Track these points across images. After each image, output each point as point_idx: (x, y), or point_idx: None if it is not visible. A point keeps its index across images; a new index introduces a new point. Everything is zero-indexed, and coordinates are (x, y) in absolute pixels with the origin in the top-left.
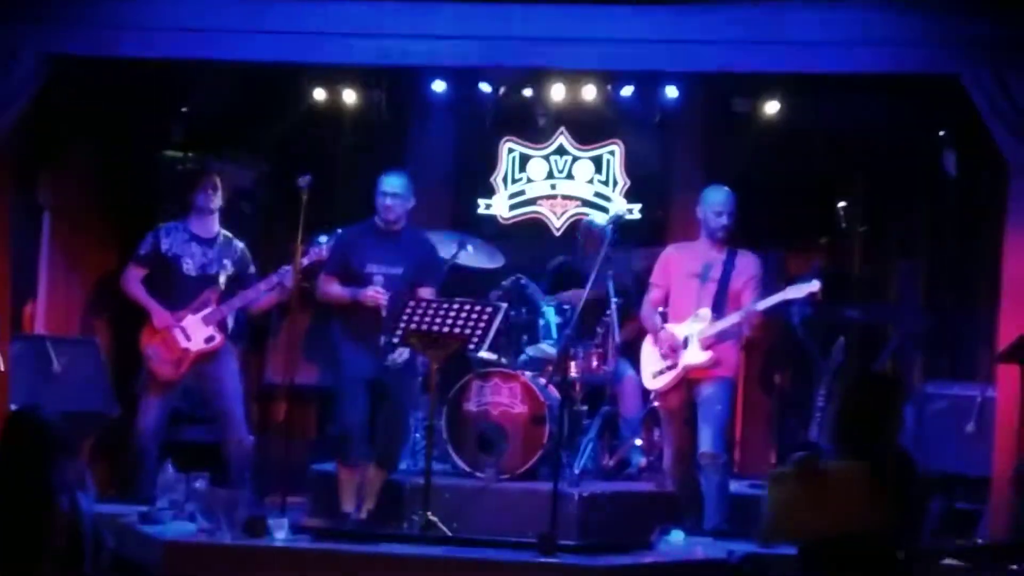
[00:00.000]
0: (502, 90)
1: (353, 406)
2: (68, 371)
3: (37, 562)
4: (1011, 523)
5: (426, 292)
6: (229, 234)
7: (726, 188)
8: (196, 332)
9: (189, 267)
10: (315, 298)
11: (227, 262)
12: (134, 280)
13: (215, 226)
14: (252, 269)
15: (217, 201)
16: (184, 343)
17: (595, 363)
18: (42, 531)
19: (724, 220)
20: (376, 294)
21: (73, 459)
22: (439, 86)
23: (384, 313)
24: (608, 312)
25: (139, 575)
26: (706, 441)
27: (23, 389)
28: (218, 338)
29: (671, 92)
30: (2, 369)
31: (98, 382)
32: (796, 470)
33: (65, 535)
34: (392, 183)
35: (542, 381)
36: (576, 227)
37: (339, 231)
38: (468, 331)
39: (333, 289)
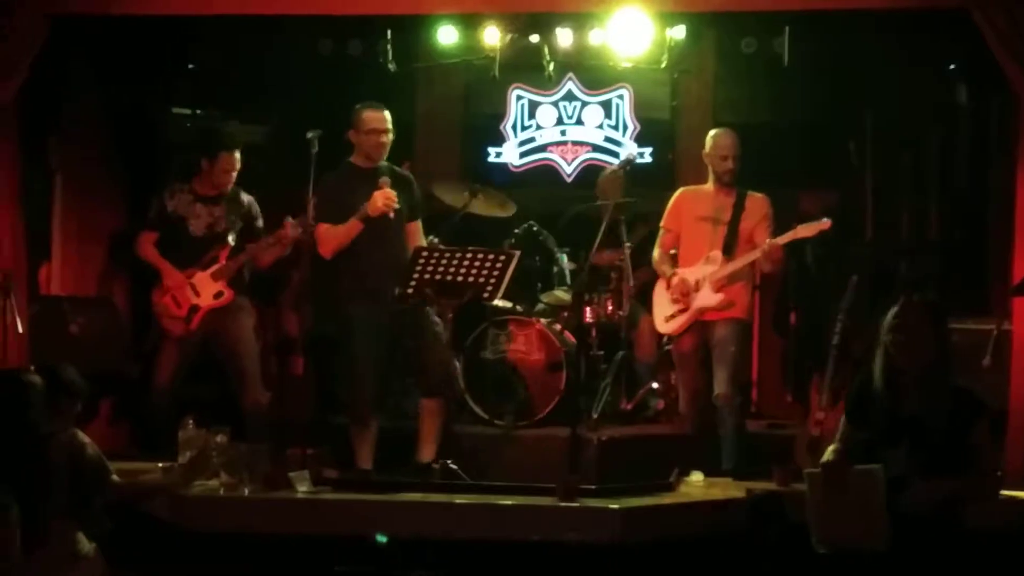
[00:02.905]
0: (509, 36)
1: (365, 365)
2: (86, 332)
3: (45, 491)
4: None
5: (415, 227)
6: (237, 187)
7: (730, 131)
8: (205, 288)
9: (195, 227)
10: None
11: (235, 217)
12: (147, 244)
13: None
14: (260, 223)
15: (233, 180)
16: (194, 299)
17: (610, 308)
18: (43, 465)
19: (730, 164)
20: (383, 196)
21: (72, 408)
22: (446, 34)
23: (392, 215)
24: (621, 258)
25: (162, 530)
26: (721, 383)
27: (42, 351)
28: (227, 293)
29: (679, 33)
30: (21, 331)
31: (116, 342)
32: (823, 474)
33: (67, 467)
34: (385, 119)
35: (558, 327)
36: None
37: (322, 181)
38: (482, 279)
39: (338, 228)
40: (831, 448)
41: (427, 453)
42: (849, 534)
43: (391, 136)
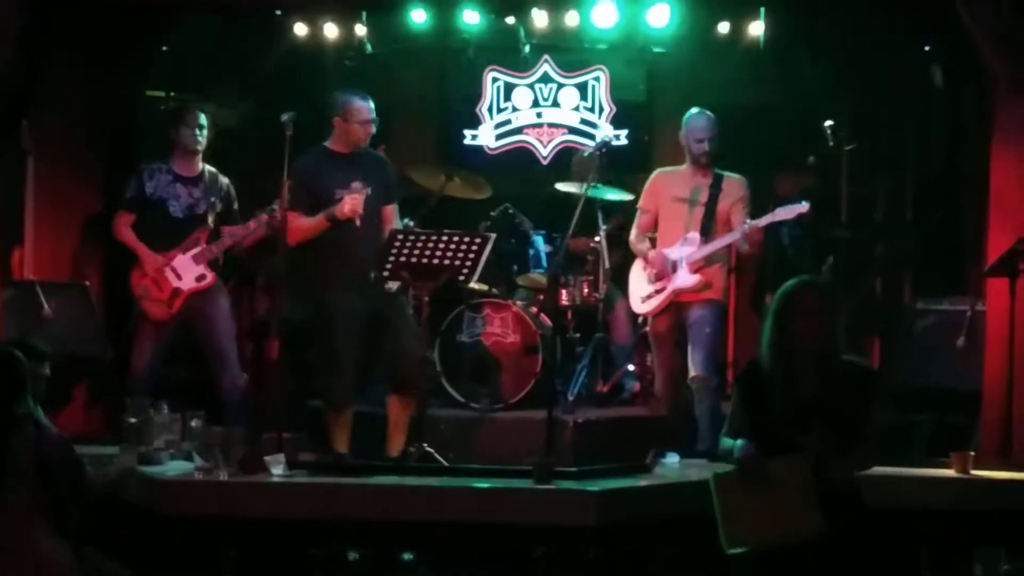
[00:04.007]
0: (485, 18)
1: (341, 351)
2: (59, 315)
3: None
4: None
5: (391, 210)
6: (214, 170)
7: (707, 112)
8: (187, 271)
9: (176, 209)
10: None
11: (215, 199)
12: (124, 226)
13: (199, 164)
14: (236, 206)
15: (203, 140)
16: (175, 282)
17: (586, 290)
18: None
19: (706, 146)
20: (352, 201)
21: (39, 381)
22: (420, 16)
23: (360, 223)
24: (597, 239)
25: (138, 515)
26: (697, 364)
27: (15, 335)
28: (209, 276)
29: (655, 15)
30: None
31: (90, 325)
32: (741, 474)
33: (32, 457)
34: (372, 109)
35: (534, 310)
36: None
37: (295, 166)
38: (458, 262)
39: (305, 222)
40: (739, 443)
41: (395, 447)
42: (771, 529)
43: (375, 124)
